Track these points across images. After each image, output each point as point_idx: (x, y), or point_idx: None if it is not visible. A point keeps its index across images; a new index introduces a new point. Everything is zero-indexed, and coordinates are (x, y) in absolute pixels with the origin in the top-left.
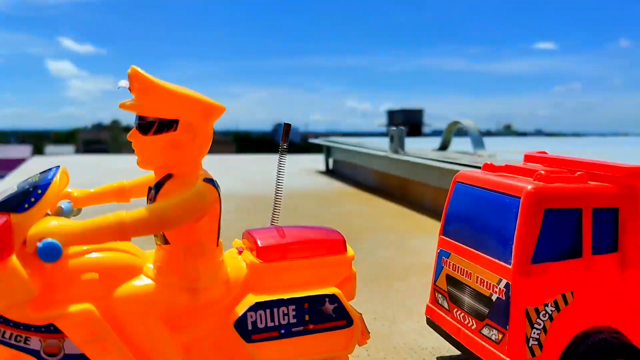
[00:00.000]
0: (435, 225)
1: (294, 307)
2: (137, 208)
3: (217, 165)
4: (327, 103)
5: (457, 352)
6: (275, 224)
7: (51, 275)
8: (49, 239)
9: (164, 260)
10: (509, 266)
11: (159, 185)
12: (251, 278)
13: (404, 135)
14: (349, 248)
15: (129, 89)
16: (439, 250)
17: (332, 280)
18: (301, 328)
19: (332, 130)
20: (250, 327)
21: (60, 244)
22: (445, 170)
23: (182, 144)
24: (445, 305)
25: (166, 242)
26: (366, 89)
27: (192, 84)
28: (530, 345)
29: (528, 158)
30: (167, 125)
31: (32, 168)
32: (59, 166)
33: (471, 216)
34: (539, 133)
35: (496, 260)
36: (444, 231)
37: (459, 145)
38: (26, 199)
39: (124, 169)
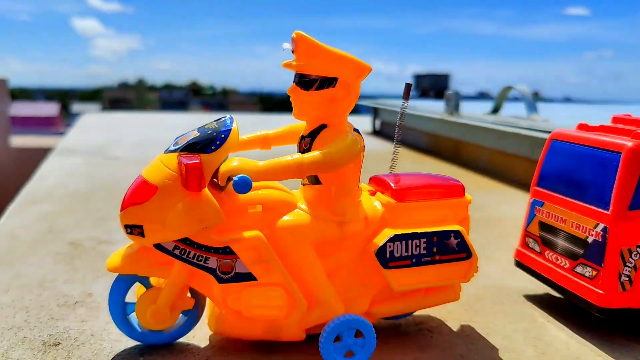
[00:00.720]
0: (491, 184)
1: (425, 240)
2: (311, 152)
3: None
4: None
5: (541, 292)
6: (394, 171)
7: (227, 207)
8: (243, 174)
9: (315, 197)
10: (607, 212)
11: (314, 134)
12: (387, 215)
13: (459, 98)
14: (466, 193)
15: (292, 50)
16: (532, 200)
17: (452, 220)
18: (429, 258)
19: None
20: (388, 256)
21: (251, 179)
22: (503, 132)
23: (339, 99)
24: (537, 248)
25: (318, 182)
26: (393, 51)
27: (219, 43)
28: (622, 280)
29: (616, 120)
30: (327, 82)
31: (89, 122)
32: (232, 117)
33: (569, 169)
34: (567, 100)
35: (594, 207)
36: (539, 183)
37: (509, 110)
38: (213, 142)
39: (174, 125)
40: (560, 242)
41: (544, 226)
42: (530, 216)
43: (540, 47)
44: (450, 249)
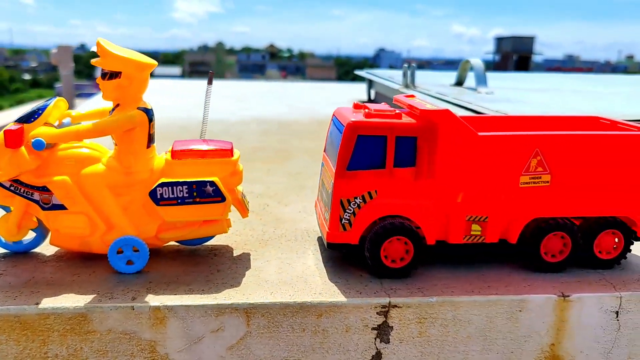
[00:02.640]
0: None
1: (186, 187)
2: (88, 122)
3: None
4: (432, 28)
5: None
6: (203, 137)
7: (47, 159)
8: (38, 138)
9: (114, 154)
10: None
11: (113, 111)
12: (165, 169)
13: (415, 70)
14: (236, 153)
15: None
16: (321, 163)
17: (220, 174)
18: (191, 200)
19: (436, 58)
20: (159, 197)
21: (44, 140)
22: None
23: (124, 87)
24: (319, 200)
25: (115, 144)
26: (475, 13)
27: (296, 5)
28: (342, 222)
29: (396, 100)
30: (115, 75)
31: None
32: (54, 97)
33: (332, 139)
34: None
35: (332, 168)
36: (325, 150)
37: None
38: (33, 115)
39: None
40: (323, 195)
41: (322, 183)
42: (319, 175)
43: (637, 6)
44: (207, 194)
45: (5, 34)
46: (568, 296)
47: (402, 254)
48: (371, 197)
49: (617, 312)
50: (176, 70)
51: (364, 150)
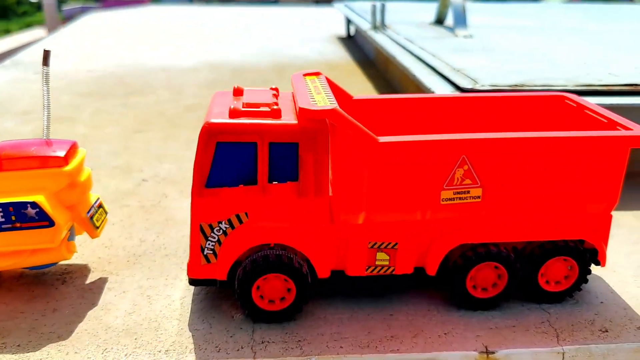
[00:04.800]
0: None
1: (1, 210)
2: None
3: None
4: None
5: None
6: (47, 136)
7: None
8: None
9: None
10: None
11: None
12: None
13: (384, 10)
14: (75, 159)
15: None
16: None
17: (51, 187)
18: (9, 225)
19: None
20: None
21: None
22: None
23: None
24: None
25: None
26: None
27: None
28: (205, 253)
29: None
30: None
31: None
32: None
33: None
34: None
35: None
36: None
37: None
38: None
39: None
40: None
41: None
42: None
43: None
44: (29, 217)
45: None
46: (493, 353)
47: (282, 293)
48: (240, 222)
49: None
50: None
51: (227, 161)
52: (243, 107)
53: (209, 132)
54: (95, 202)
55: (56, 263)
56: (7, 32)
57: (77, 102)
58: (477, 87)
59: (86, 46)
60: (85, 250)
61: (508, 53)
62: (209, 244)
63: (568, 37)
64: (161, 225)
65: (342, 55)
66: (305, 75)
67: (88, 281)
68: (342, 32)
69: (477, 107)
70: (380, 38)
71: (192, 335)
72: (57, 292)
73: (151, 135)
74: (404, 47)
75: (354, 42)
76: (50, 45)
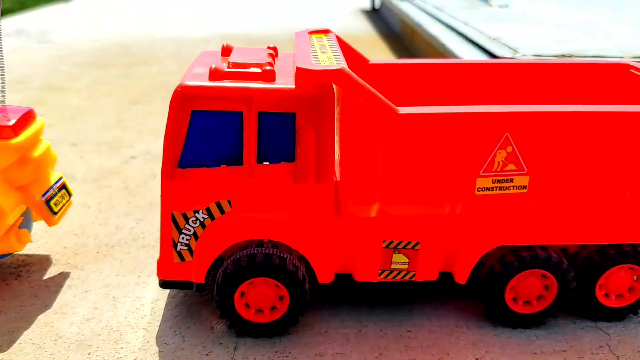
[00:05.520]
0: None
1: None
2: None
3: None
4: None
5: None
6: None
7: None
8: None
9: None
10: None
11: None
12: None
13: None
14: (29, 129)
15: None
16: None
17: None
18: None
19: None
20: None
21: None
22: (443, 24)
23: None
24: None
25: None
26: None
27: None
28: (178, 250)
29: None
30: None
31: None
32: None
33: None
34: None
35: None
36: None
37: None
38: None
39: None
40: None
41: None
42: None
43: None
44: None
45: None
46: None
47: (272, 301)
48: (222, 211)
49: None
50: None
51: (205, 134)
52: (228, 67)
53: (182, 97)
54: (56, 182)
55: (7, 255)
56: (21, 7)
57: (75, 72)
58: (518, 57)
59: (93, 15)
60: (50, 238)
61: (550, 24)
62: (182, 238)
63: (618, 10)
64: (143, 210)
65: (365, 28)
66: (311, 32)
67: (46, 276)
68: (367, 4)
69: (518, 76)
70: (406, 6)
71: (159, 353)
72: (7, 290)
73: (149, 107)
74: (432, 16)
75: (379, 15)
76: (59, 14)
